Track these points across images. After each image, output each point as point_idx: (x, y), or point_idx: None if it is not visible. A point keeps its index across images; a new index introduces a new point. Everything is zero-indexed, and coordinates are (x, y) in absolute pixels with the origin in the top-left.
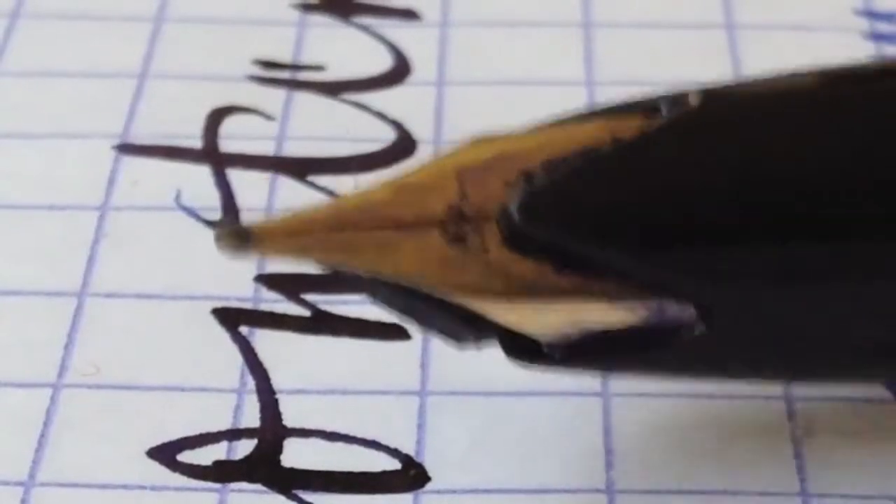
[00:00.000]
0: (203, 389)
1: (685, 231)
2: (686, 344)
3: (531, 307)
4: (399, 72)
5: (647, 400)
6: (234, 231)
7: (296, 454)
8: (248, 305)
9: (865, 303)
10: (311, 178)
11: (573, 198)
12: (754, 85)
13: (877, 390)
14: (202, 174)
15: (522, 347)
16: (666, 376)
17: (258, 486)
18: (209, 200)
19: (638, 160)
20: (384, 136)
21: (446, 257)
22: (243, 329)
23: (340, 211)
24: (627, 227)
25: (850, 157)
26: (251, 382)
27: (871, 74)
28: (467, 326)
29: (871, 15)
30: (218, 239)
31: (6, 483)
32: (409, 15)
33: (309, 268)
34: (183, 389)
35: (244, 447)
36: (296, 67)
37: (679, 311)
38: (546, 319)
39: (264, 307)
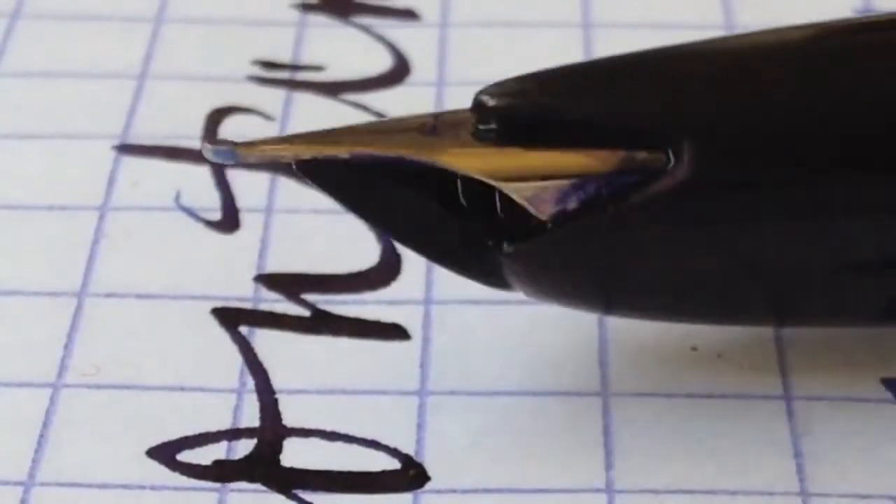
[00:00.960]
0: (203, 389)
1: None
2: (664, 191)
3: (510, 154)
4: (398, 72)
5: (647, 400)
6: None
7: (295, 454)
8: (247, 305)
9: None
10: None
11: (540, 80)
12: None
13: (877, 390)
14: (202, 174)
15: (516, 227)
16: (651, 243)
17: (258, 486)
18: (209, 201)
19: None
20: None
21: (423, 138)
22: (243, 329)
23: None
24: (595, 89)
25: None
26: (251, 382)
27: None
28: (452, 220)
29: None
30: (206, 150)
31: (6, 483)
32: (408, 15)
33: (308, 265)
34: (183, 389)
35: (244, 447)
36: (295, 68)
37: (651, 159)
38: (523, 165)
39: (264, 307)
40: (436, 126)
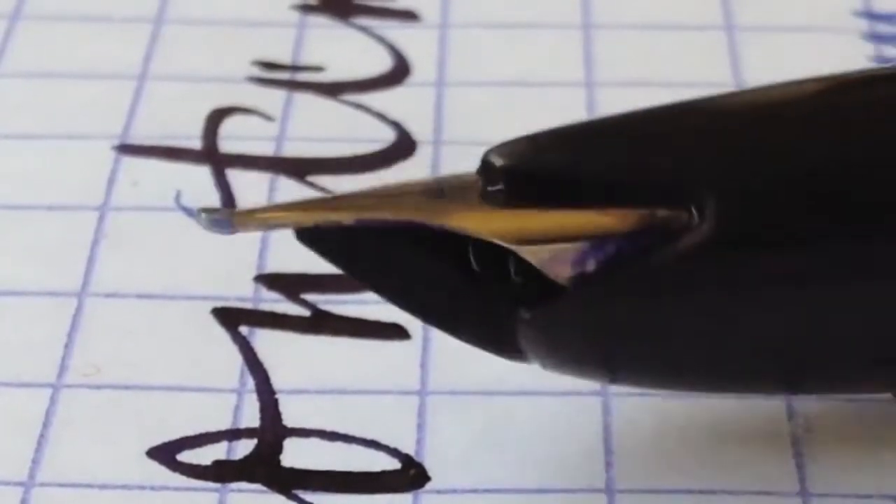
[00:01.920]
0: (203, 389)
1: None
2: (684, 248)
3: (524, 215)
4: (398, 73)
5: (647, 400)
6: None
7: (295, 454)
8: (247, 305)
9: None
10: (310, 178)
11: (549, 137)
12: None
13: None
14: (202, 175)
15: (533, 291)
16: (672, 304)
17: (258, 486)
18: (209, 201)
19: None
20: (384, 137)
21: (430, 202)
22: (243, 329)
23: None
24: (607, 145)
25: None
26: (251, 382)
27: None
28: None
29: (871, 16)
30: (200, 219)
31: (6, 483)
32: (408, 16)
33: (308, 265)
34: (183, 389)
35: (244, 447)
36: (295, 68)
37: (671, 216)
38: (537, 226)
39: (264, 307)
40: (442, 189)
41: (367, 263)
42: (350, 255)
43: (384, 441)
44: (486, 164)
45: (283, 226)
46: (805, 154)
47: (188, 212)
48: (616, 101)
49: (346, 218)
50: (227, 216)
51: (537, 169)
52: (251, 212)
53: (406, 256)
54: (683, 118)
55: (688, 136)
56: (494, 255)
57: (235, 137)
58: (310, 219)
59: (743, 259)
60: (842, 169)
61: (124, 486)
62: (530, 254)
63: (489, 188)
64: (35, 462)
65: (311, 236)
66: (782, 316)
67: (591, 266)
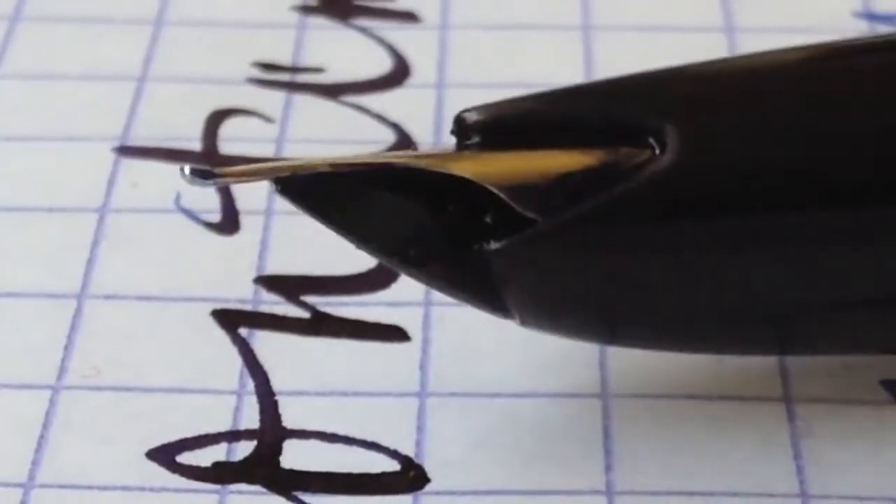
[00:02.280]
0: (202, 391)
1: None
2: (646, 177)
3: (495, 157)
4: (398, 74)
5: (646, 400)
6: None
7: (295, 455)
8: (247, 307)
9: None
10: None
11: (521, 97)
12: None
13: (877, 390)
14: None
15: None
16: (642, 231)
17: (258, 488)
18: (209, 203)
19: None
20: (384, 138)
21: (407, 151)
22: (243, 331)
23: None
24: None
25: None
26: (251, 384)
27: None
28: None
29: (871, 17)
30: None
31: (6, 484)
32: (408, 17)
33: (307, 268)
34: (182, 391)
35: (244, 448)
36: (295, 70)
37: (636, 152)
38: (507, 166)
39: (264, 309)
40: (416, 146)
41: (341, 209)
42: (325, 202)
43: (384, 443)
44: (459, 122)
45: (263, 175)
46: (768, 94)
47: (188, 214)
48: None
49: (321, 165)
50: (209, 174)
51: (509, 121)
52: (232, 168)
53: (379, 199)
54: (653, 76)
55: (654, 87)
56: (466, 205)
57: (235, 139)
58: (288, 168)
59: (703, 186)
60: (800, 104)
61: (124, 488)
62: (500, 189)
63: (465, 143)
64: (35, 463)
65: (289, 187)
66: (750, 247)
67: (558, 199)
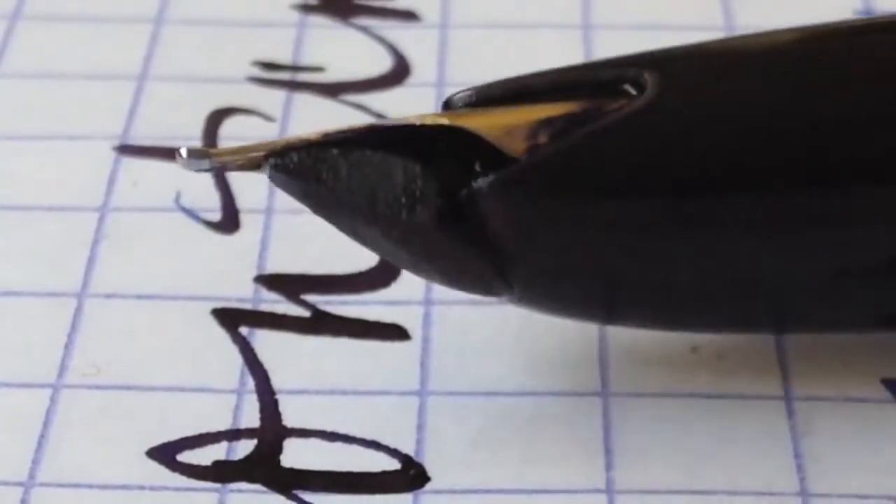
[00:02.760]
0: (203, 389)
1: None
2: (627, 115)
3: (481, 112)
4: (399, 73)
5: (647, 399)
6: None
7: (295, 454)
8: (247, 306)
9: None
10: None
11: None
12: (717, 45)
13: (877, 388)
14: (202, 175)
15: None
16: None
17: (258, 487)
18: (209, 201)
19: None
20: None
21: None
22: (243, 329)
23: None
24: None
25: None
26: (251, 383)
27: (853, 31)
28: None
29: (871, 16)
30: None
31: (6, 483)
32: (408, 16)
33: (308, 266)
34: (183, 389)
35: (244, 447)
36: (295, 69)
37: (615, 100)
38: (495, 117)
39: (264, 308)
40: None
41: (336, 174)
42: (319, 172)
43: (384, 441)
44: (446, 104)
45: (257, 151)
46: (752, 58)
47: (188, 212)
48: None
49: (313, 137)
50: (205, 153)
51: (494, 93)
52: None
53: (370, 159)
54: (638, 54)
55: (637, 57)
56: (456, 158)
57: (236, 138)
58: (280, 144)
59: (678, 122)
60: (784, 66)
61: (124, 487)
62: (487, 134)
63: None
64: (35, 462)
65: (284, 165)
66: (731, 193)
67: (542, 139)
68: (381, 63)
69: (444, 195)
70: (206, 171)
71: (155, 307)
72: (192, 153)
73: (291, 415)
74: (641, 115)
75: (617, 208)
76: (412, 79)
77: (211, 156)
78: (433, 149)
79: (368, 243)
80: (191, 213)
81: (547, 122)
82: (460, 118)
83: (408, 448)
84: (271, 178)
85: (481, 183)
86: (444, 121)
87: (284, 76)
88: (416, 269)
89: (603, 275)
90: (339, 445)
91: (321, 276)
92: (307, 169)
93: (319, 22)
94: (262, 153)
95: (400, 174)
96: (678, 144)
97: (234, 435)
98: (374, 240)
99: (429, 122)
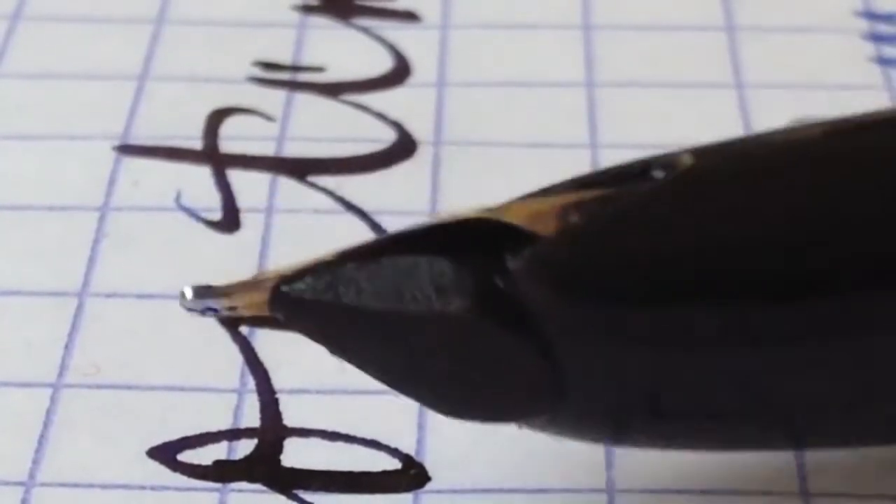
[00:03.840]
0: (203, 389)
1: None
2: (650, 188)
3: (513, 202)
4: (399, 73)
5: None
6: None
7: (296, 454)
8: None
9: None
10: (311, 178)
11: None
12: (753, 140)
13: None
14: (203, 175)
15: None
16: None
17: (258, 486)
18: (210, 201)
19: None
20: (384, 137)
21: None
22: (243, 329)
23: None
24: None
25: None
26: (251, 382)
27: (878, 124)
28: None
29: (871, 16)
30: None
31: (6, 483)
32: (409, 16)
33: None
34: (183, 389)
35: (244, 447)
36: (296, 69)
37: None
38: (528, 203)
39: None
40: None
41: (354, 295)
42: (334, 292)
43: (384, 441)
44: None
45: (267, 283)
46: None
47: (189, 212)
48: (616, 101)
49: (328, 256)
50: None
51: None
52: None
53: (390, 265)
54: None
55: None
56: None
57: (236, 138)
58: (290, 269)
59: (703, 197)
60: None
61: (125, 486)
62: (515, 217)
63: None
64: (35, 462)
65: (289, 301)
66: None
67: (573, 218)
68: (382, 63)
69: (477, 280)
70: (212, 312)
71: (155, 306)
72: (199, 293)
73: (292, 414)
74: (662, 191)
75: (647, 287)
76: (412, 79)
77: (216, 295)
78: (458, 241)
79: (398, 376)
80: (191, 213)
81: (577, 205)
82: (485, 211)
83: (408, 447)
84: (281, 308)
85: (516, 262)
86: (470, 214)
87: (285, 76)
88: (452, 384)
89: (648, 374)
90: (339, 445)
91: None
92: (323, 289)
93: (320, 22)
94: (273, 279)
95: (425, 269)
96: (698, 223)
97: (234, 434)
98: (405, 357)
99: (452, 218)
